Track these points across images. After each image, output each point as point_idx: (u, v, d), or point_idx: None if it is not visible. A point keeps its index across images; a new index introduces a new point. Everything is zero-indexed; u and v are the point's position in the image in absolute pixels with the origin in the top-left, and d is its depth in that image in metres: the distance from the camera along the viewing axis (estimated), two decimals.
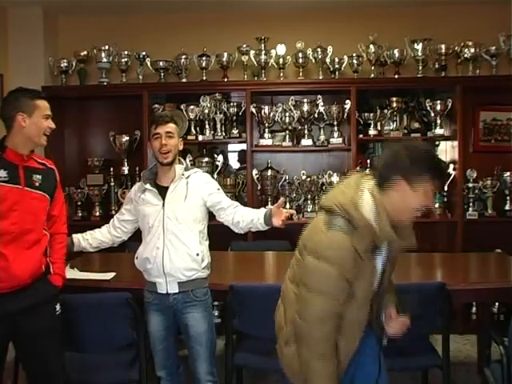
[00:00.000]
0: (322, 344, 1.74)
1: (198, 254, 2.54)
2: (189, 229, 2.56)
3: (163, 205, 2.56)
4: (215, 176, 4.42)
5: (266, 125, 4.54)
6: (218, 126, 4.57)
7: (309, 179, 4.46)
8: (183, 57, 4.59)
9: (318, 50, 4.52)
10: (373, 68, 4.58)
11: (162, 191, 2.60)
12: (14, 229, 2.24)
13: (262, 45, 4.55)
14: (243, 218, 2.63)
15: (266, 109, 4.49)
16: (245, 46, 4.57)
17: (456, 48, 4.49)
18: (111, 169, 4.72)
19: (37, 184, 2.34)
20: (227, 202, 2.68)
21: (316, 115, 4.51)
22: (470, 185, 4.44)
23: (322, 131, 4.57)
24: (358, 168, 4.30)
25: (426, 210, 1.76)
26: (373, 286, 1.83)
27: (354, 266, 1.72)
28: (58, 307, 2.42)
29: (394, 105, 4.52)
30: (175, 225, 2.54)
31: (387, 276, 1.93)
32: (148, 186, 2.61)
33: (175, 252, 2.52)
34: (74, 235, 2.74)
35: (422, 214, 1.77)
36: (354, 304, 1.77)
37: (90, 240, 2.77)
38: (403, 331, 1.96)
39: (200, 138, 4.53)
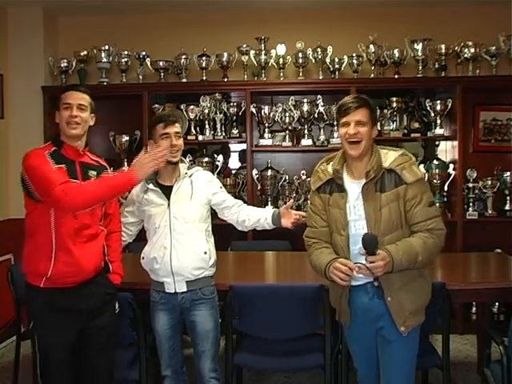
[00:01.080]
0: (309, 251, 2.37)
1: (205, 253, 2.55)
2: (195, 228, 2.56)
3: (168, 204, 2.56)
4: (215, 176, 4.42)
5: (266, 125, 4.54)
6: (218, 125, 4.57)
7: (309, 179, 4.45)
8: (183, 57, 4.59)
9: (318, 49, 4.52)
10: (373, 68, 4.58)
11: (166, 190, 2.59)
12: (75, 224, 2.26)
13: (262, 45, 4.55)
14: (249, 216, 2.65)
15: (266, 109, 4.49)
16: (245, 46, 4.57)
17: (456, 48, 4.49)
18: (111, 169, 4.69)
19: (93, 179, 2.35)
20: (231, 200, 2.70)
21: (316, 115, 4.51)
22: (470, 185, 4.44)
23: (321, 131, 4.58)
24: None
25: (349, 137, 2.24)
26: (344, 219, 2.23)
27: (317, 202, 2.33)
28: (117, 305, 2.44)
29: (394, 105, 4.53)
30: (182, 224, 2.54)
31: (373, 218, 2.17)
32: (151, 185, 2.61)
33: (183, 251, 2.52)
34: None
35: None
36: (333, 232, 2.29)
37: None
38: (381, 270, 2.08)
39: (200, 137, 4.53)
